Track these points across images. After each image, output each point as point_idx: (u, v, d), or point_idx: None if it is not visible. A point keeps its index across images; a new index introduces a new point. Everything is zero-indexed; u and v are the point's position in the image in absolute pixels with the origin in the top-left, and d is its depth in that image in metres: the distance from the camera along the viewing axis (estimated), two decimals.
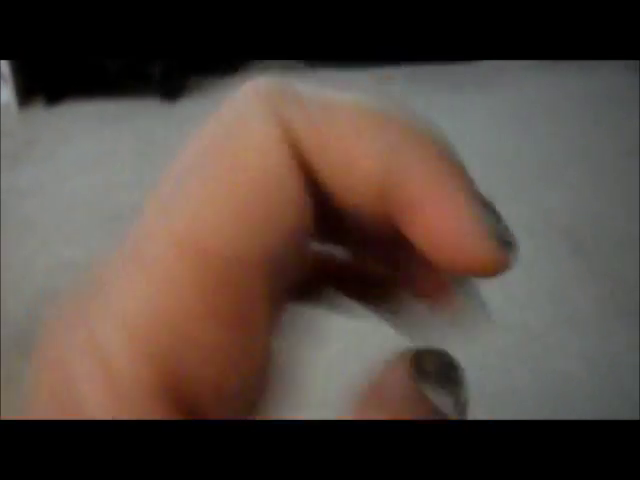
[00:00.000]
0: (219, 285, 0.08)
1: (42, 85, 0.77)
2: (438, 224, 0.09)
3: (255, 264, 0.08)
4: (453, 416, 0.10)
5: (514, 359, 0.41)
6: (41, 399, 0.09)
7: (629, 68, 0.77)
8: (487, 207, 0.09)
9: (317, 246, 0.10)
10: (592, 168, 0.61)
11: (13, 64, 0.77)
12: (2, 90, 0.77)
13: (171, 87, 0.77)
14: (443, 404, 0.10)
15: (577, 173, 0.60)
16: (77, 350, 0.08)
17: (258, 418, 0.11)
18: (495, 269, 0.09)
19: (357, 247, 0.11)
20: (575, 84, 0.73)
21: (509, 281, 0.52)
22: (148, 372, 0.08)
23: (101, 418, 0.09)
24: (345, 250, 0.11)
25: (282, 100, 0.09)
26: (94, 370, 0.08)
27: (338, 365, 0.36)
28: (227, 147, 0.09)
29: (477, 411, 0.14)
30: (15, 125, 0.73)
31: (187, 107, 0.75)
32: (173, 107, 0.75)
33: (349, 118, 0.09)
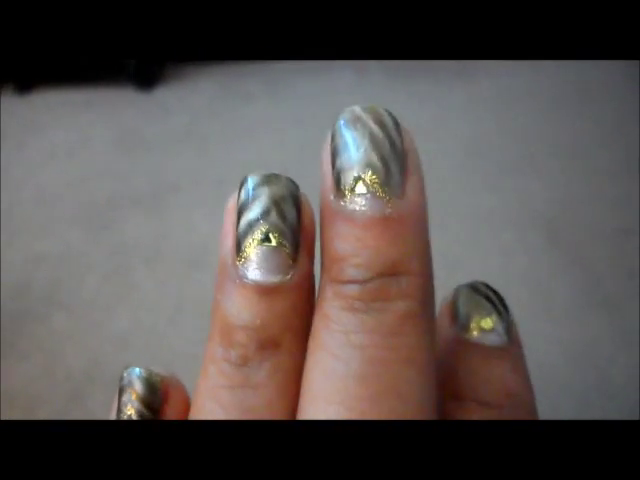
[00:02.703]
0: None
1: (11, 73, 0.75)
2: None
3: None
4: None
5: None
6: None
7: None
8: None
9: None
10: (571, 158, 0.62)
11: None
12: None
13: (146, 75, 0.75)
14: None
15: (555, 163, 0.61)
16: None
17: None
18: None
19: None
20: (554, 73, 0.74)
21: (486, 269, 0.53)
22: None
23: None
24: None
25: None
26: None
27: None
28: None
29: None
30: None
31: (163, 95, 0.73)
32: (148, 95, 0.74)
33: None
